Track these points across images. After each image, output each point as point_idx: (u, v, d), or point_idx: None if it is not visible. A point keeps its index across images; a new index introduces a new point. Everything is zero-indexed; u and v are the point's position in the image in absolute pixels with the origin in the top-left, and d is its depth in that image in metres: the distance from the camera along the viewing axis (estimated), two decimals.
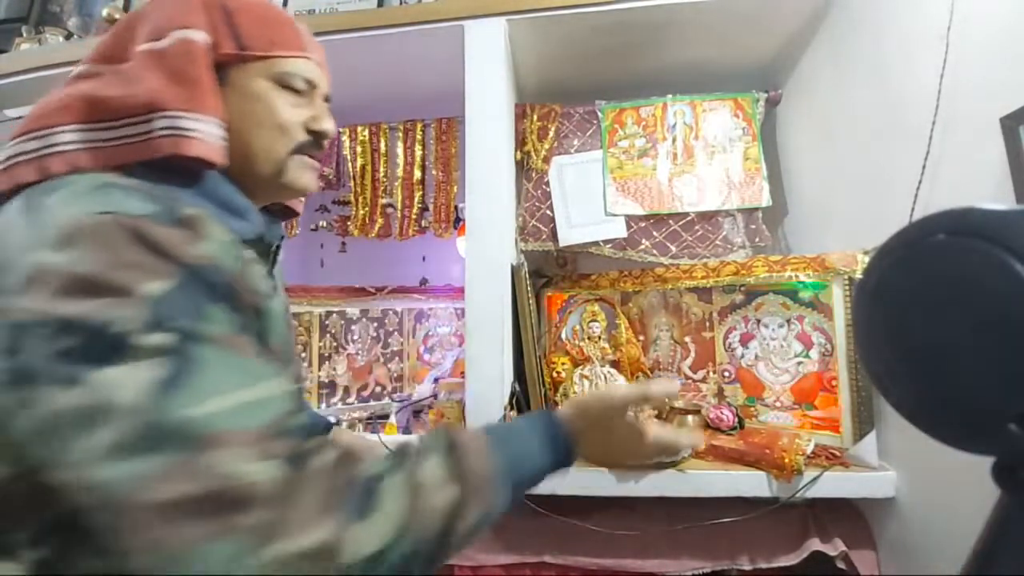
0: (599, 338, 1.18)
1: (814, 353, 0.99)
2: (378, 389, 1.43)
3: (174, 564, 0.30)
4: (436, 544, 0.37)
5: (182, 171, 0.44)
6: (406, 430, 1.16)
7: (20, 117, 1.28)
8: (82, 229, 0.35)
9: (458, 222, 1.38)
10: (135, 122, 0.43)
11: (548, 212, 1.28)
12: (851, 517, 0.97)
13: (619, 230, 1.23)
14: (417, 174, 1.37)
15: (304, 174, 0.54)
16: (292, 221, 1.17)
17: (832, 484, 0.88)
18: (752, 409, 1.06)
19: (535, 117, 1.31)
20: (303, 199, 0.65)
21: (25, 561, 0.36)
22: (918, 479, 0.85)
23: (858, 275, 0.93)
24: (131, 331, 0.33)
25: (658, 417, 1.03)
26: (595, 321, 1.19)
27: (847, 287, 0.95)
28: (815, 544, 0.92)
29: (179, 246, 0.36)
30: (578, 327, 1.23)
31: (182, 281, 0.36)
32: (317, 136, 0.53)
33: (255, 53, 0.48)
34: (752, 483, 0.90)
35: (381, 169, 1.38)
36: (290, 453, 0.35)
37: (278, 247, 0.57)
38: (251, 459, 0.33)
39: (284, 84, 0.50)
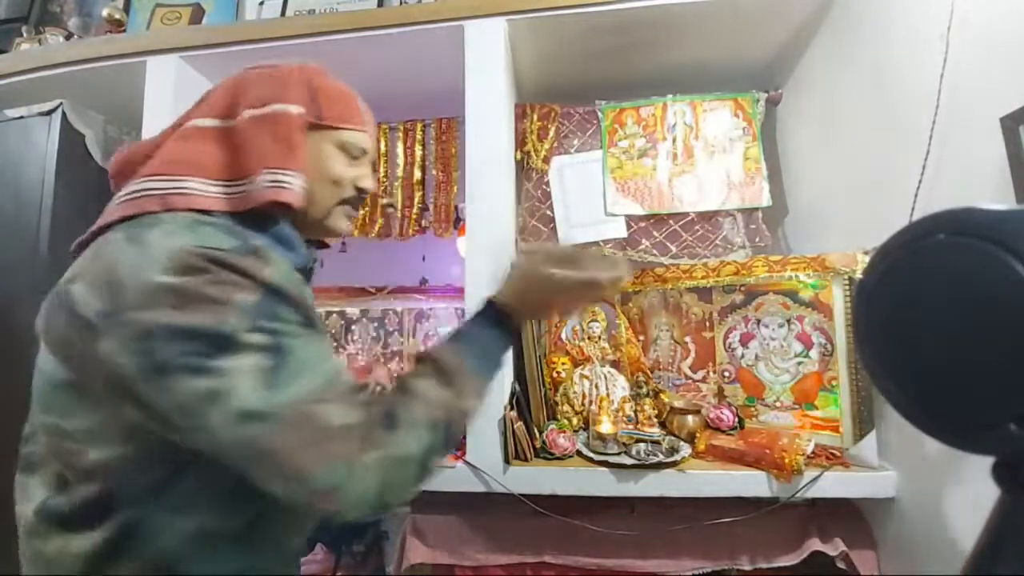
0: (599, 338, 1.18)
1: (814, 353, 0.99)
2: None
3: (304, 478, 0.43)
4: (447, 429, 0.53)
5: (262, 214, 0.57)
6: None
7: (21, 117, 1.29)
8: (186, 258, 0.46)
9: (458, 222, 1.38)
10: (248, 181, 0.57)
11: (548, 212, 1.28)
12: (851, 517, 0.97)
13: (619, 230, 1.23)
14: (417, 174, 1.36)
15: (342, 221, 0.67)
16: None
17: (832, 484, 0.88)
18: (752, 409, 1.06)
19: (535, 117, 1.31)
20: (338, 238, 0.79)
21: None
22: (918, 479, 0.85)
23: (858, 275, 0.93)
24: (237, 330, 0.44)
25: (658, 417, 1.03)
26: (595, 321, 1.19)
27: (847, 287, 0.95)
28: (815, 544, 0.92)
29: (255, 269, 0.48)
30: (578, 327, 1.23)
31: (262, 294, 0.47)
32: (360, 192, 0.66)
33: (329, 124, 0.62)
34: (752, 483, 0.90)
35: (381, 169, 1.38)
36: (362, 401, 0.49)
37: (312, 269, 0.70)
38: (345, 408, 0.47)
39: (344, 150, 0.64)
